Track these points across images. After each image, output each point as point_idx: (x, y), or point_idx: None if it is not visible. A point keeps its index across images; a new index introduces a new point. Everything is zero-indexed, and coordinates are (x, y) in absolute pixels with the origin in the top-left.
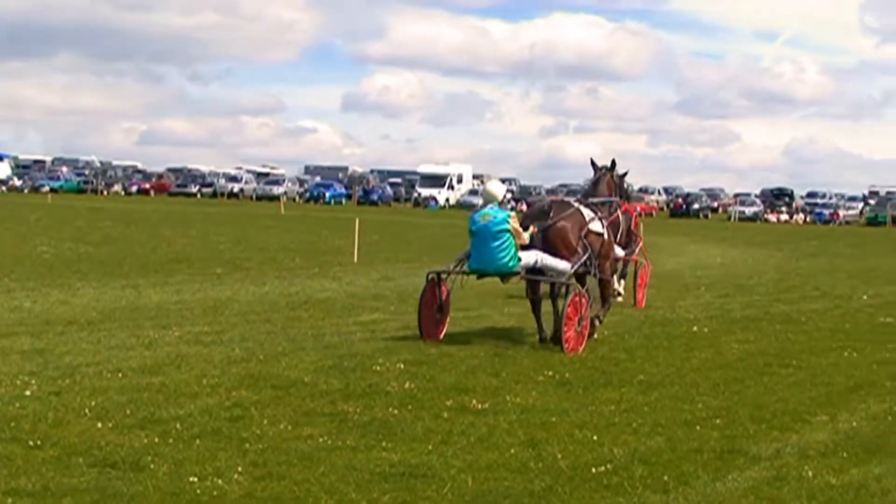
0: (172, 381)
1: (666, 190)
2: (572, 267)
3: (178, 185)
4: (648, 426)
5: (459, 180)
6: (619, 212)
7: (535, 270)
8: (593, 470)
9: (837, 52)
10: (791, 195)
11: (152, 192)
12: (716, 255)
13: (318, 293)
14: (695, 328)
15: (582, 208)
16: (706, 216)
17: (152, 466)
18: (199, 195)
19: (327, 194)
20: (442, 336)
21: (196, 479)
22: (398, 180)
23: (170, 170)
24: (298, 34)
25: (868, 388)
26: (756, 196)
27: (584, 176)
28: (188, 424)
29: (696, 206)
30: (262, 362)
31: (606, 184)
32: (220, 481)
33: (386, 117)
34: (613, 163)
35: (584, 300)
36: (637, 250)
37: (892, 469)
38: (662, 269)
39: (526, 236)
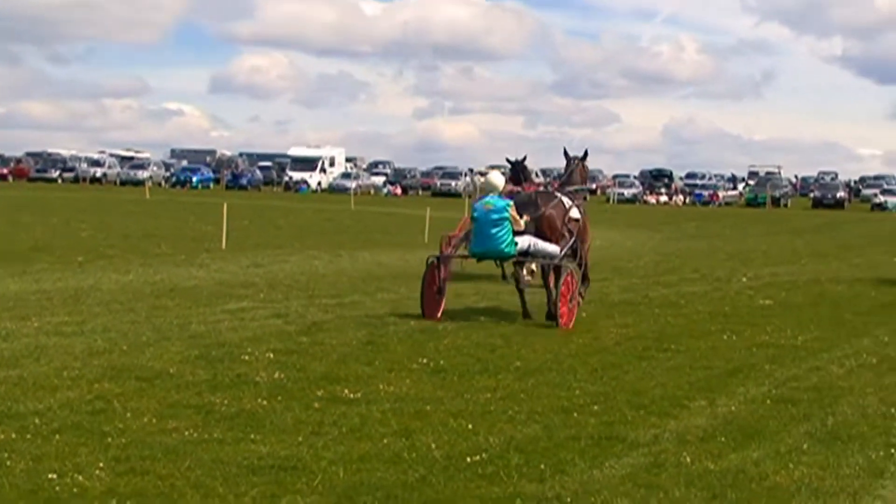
0: (31, 374)
1: (543, 172)
2: (561, 250)
3: (38, 171)
4: (525, 414)
5: (332, 163)
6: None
7: (528, 254)
8: (468, 459)
9: (716, 31)
10: (670, 176)
11: (10, 178)
12: (594, 238)
13: (185, 281)
14: None
15: (563, 197)
16: (584, 198)
17: (9, 463)
18: (59, 180)
19: (194, 179)
20: (440, 315)
21: (55, 476)
22: (268, 164)
23: (29, 154)
24: (163, 13)
25: (747, 371)
26: (635, 177)
27: (460, 158)
28: (47, 419)
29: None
30: (126, 353)
31: (579, 173)
32: (80, 477)
33: (255, 99)
34: (586, 154)
35: (575, 279)
36: None
37: (771, 453)
38: None
39: (522, 223)
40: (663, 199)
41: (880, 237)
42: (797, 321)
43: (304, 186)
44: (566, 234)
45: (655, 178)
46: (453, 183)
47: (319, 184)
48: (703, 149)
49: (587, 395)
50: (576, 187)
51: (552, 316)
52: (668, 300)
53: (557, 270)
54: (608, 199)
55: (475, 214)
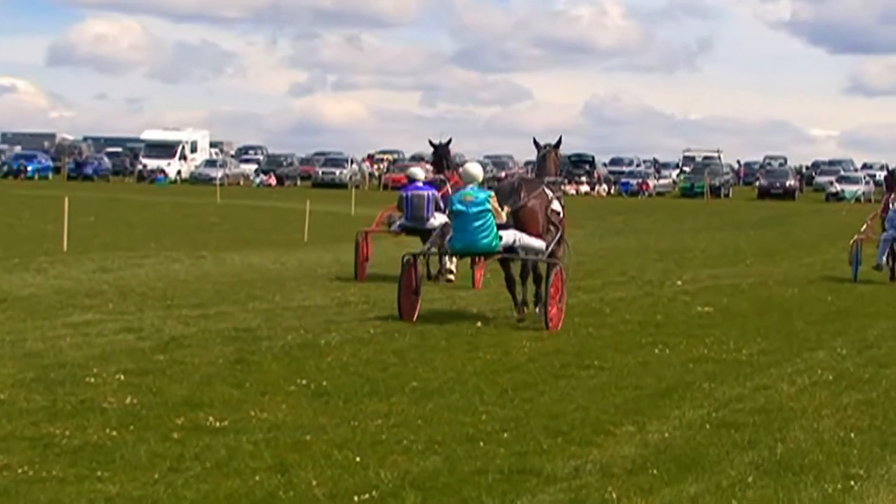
0: None
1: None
2: (548, 246)
3: None
4: (422, 443)
5: (194, 149)
6: (447, 186)
7: (512, 249)
8: (355, 498)
9: None
10: (592, 162)
11: None
12: None
13: (19, 290)
14: (479, 324)
15: (545, 188)
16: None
17: None
18: None
19: (30, 168)
20: (416, 318)
21: None
22: (118, 150)
23: None
24: None
25: (682, 391)
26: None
27: (346, 143)
28: None
29: None
30: None
31: (552, 162)
32: None
33: (101, 73)
34: (559, 141)
35: (564, 277)
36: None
37: (710, 487)
38: None
39: (504, 215)
40: (584, 189)
41: (836, 232)
42: (741, 331)
43: (161, 177)
44: (551, 228)
45: (575, 165)
46: (338, 172)
47: (179, 173)
48: (631, 130)
49: (496, 420)
50: (552, 178)
51: (534, 312)
52: (590, 308)
53: (536, 267)
54: None
55: (454, 208)
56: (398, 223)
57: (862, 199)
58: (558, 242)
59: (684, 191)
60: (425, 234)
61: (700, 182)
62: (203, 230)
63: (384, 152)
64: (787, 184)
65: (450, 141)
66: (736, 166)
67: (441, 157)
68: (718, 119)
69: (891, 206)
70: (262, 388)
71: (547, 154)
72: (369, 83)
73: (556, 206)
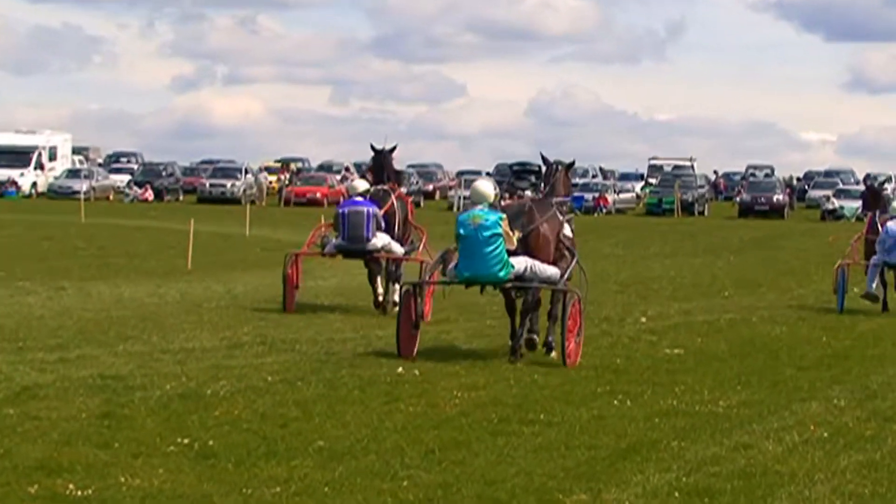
0: None
1: (357, 167)
2: (563, 273)
3: None
4: None
5: (53, 156)
6: (391, 199)
7: (523, 278)
8: None
9: None
10: (539, 173)
11: None
12: None
13: None
14: (400, 369)
15: (557, 211)
16: (417, 204)
17: None
18: None
19: None
20: (415, 353)
21: None
22: None
23: None
24: None
25: (646, 451)
26: (490, 175)
27: (239, 149)
28: None
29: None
30: None
31: (564, 183)
32: None
33: None
34: (572, 162)
35: (581, 308)
36: (421, 247)
37: None
38: (353, 281)
39: (514, 241)
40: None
41: (833, 258)
42: (718, 379)
43: (13, 190)
44: (566, 254)
45: (518, 176)
46: (229, 184)
47: (35, 186)
48: (585, 134)
49: (419, 487)
50: (560, 199)
51: (532, 343)
52: (535, 350)
53: (535, 298)
54: (450, 206)
55: (461, 231)
56: (333, 244)
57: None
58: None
59: (650, 207)
60: (366, 256)
61: (669, 197)
62: (64, 255)
63: (286, 160)
64: (775, 199)
65: (394, 148)
66: (713, 177)
67: (383, 165)
68: (691, 120)
69: (879, 226)
70: (135, 448)
71: (556, 172)
72: (268, 76)
73: (567, 230)
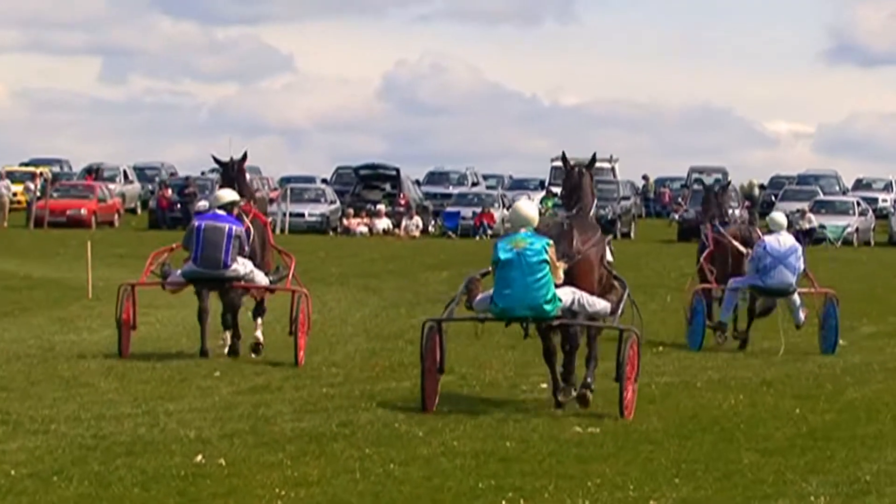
0: None
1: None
2: (615, 307)
3: None
4: None
5: None
6: (246, 219)
7: (571, 313)
8: None
9: None
10: (396, 179)
11: None
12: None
13: None
14: (199, 457)
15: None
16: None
17: None
18: None
19: None
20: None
21: None
22: None
23: None
24: None
25: None
26: (327, 182)
27: None
28: None
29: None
30: None
31: (590, 189)
32: None
33: None
34: (593, 159)
35: (638, 349)
36: (290, 276)
37: None
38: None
39: (561, 271)
40: (382, 224)
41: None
42: (648, 469)
43: None
44: (615, 284)
45: (367, 184)
46: None
47: None
48: (462, 124)
49: None
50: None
51: (585, 400)
52: (394, 431)
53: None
54: (274, 227)
55: (500, 255)
56: (183, 269)
57: (854, 239)
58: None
59: None
60: (223, 286)
61: None
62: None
63: (37, 163)
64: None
65: (245, 157)
66: (641, 185)
67: (233, 179)
68: (612, 105)
69: (707, 238)
70: None
71: (583, 178)
72: (10, 43)
73: (608, 254)
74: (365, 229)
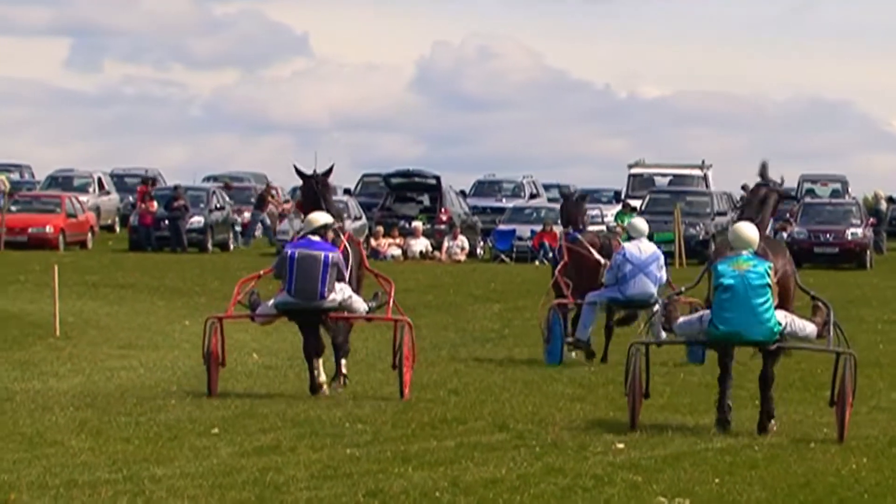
0: None
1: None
2: (822, 329)
3: None
4: None
5: None
6: (343, 241)
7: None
8: None
9: None
10: (437, 189)
11: None
12: None
13: None
14: None
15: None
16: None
17: None
18: None
19: None
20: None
21: None
22: None
23: None
24: None
25: None
26: (349, 192)
27: None
28: None
29: None
30: None
31: (774, 206)
32: None
33: None
34: (782, 181)
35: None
36: (391, 303)
37: None
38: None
39: (777, 294)
40: (419, 245)
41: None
42: None
43: None
44: (820, 305)
45: (400, 196)
46: None
47: None
48: (517, 122)
49: None
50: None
51: (764, 428)
52: (430, 498)
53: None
54: (278, 249)
55: (723, 280)
56: (275, 300)
57: None
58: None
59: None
60: (319, 317)
61: (665, 232)
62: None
63: None
64: (849, 234)
65: (330, 170)
66: (739, 197)
67: (318, 196)
68: (702, 99)
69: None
70: None
71: (768, 198)
72: None
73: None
74: (398, 252)
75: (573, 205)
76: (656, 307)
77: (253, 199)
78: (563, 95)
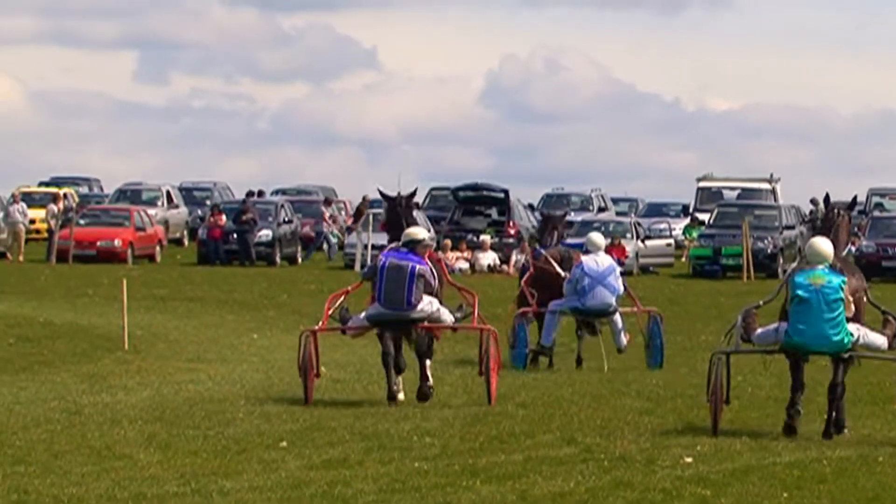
0: None
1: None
2: (892, 340)
3: None
4: None
5: None
6: (426, 256)
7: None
8: None
9: None
10: (505, 203)
11: None
12: None
13: None
14: None
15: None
16: (292, 260)
17: None
18: None
19: None
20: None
21: None
22: None
23: None
24: None
25: None
26: (418, 206)
27: None
28: None
29: None
30: None
31: (846, 230)
32: None
33: None
34: (854, 200)
35: None
36: (476, 314)
37: None
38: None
39: (853, 307)
40: (487, 259)
41: None
42: None
43: None
44: (891, 320)
45: (468, 210)
46: None
47: None
48: (585, 134)
49: None
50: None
51: (829, 434)
52: None
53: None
54: (348, 264)
55: (799, 292)
56: (367, 312)
57: None
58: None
59: (700, 264)
60: (408, 327)
61: (733, 246)
62: None
63: (59, 183)
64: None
65: (414, 193)
66: (809, 211)
67: (401, 218)
68: (769, 110)
69: (549, 262)
70: None
71: (840, 217)
72: (26, 33)
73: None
74: (465, 265)
75: (544, 225)
76: (739, 319)
77: (322, 210)
78: (631, 108)
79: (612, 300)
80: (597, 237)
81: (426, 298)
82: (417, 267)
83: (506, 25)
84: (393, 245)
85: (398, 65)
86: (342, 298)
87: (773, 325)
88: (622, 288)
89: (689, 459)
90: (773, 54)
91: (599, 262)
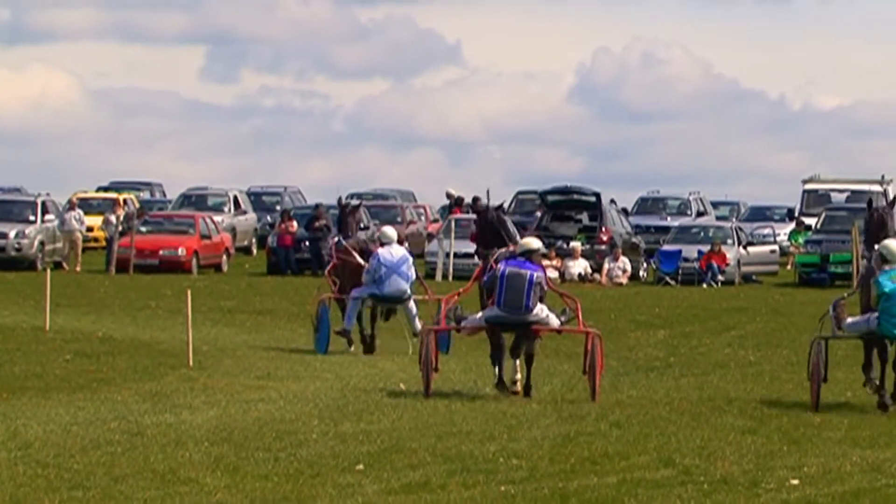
0: None
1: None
2: None
3: None
4: None
5: None
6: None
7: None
8: None
9: None
10: (597, 207)
11: None
12: None
13: None
14: None
15: None
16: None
17: None
18: None
19: None
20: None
21: None
22: None
23: None
24: None
25: None
26: (502, 210)
27: (32, 166)
28: None
29: None
30: None
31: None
32: None
33: None
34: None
35: None
36: (580, 318)
37: None
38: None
39: None
40: (578, 267)
41: None
42: None
43: None
44: None
45: (558, 214)
46: (11, 233)
47: None
48: (685, 133)
49: None
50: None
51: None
52: None
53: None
54: (429, 273)
55: (886, 289)
56: (485, 314)
57: None
58: None
59: (806, 272)
60: (522, 329)
61: (842, 252)
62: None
63: (119, 188)
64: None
65: (502, 206)
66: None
67: (494, 226)
68: (881, 107)
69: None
70: None
71: (887, 216)
72: (85, 27)
73: None
74: (554, 274)
75: (345, 215)
76: (830, 311)
77: (399, 219)
78: (734, 106)
79: (406, 287)
80: (389, 230)
81: (539, 305)
82: (535, 275)
83: (598, 17)
84: (502, 252)
85: (483, 60)
86: (455, 300)
87: (864, 317)
88: (414, 276)
89: (795, 482)
90: (883, 49)
91: (394, 253)
